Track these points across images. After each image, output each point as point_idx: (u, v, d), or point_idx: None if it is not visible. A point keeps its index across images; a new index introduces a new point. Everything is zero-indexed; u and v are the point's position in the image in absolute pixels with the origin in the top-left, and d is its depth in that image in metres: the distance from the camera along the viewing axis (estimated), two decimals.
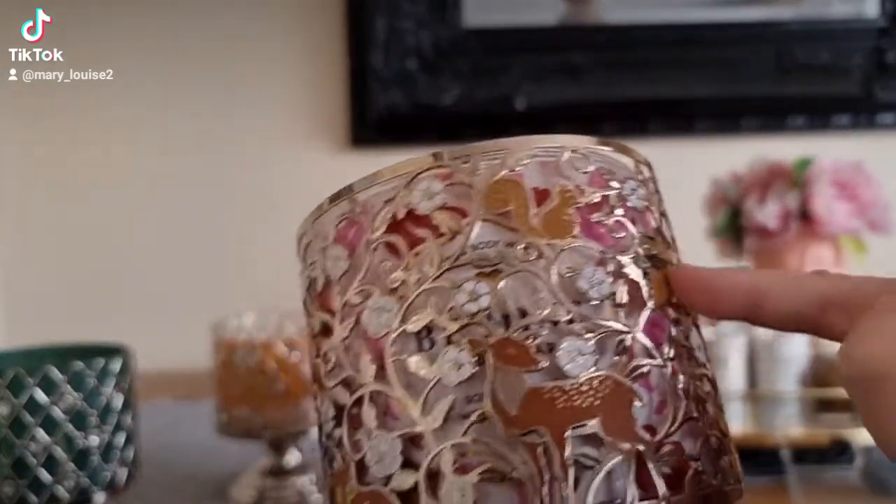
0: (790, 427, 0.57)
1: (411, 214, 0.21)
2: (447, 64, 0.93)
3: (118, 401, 0.48)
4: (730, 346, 0.61)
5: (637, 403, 0.20)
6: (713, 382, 0.23)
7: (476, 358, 0.20)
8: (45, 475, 0.45)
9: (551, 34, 0.94)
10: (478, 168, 0.21)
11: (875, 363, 0.18)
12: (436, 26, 0.93)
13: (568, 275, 0.20)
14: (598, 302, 0.21)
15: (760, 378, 0.61)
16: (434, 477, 0.19)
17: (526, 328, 0.20)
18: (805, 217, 0.76)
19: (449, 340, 0.20)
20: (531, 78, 0.93)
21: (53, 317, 0.95)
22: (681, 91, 0.93)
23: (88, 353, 0.48)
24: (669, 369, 0.21)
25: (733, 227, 0.77)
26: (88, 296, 0.96)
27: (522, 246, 0.21)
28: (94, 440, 0.47)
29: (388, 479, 0.20)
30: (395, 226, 0.22)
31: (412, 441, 0.20)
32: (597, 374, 0.20)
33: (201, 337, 0.60)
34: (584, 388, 0.20)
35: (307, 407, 0.56)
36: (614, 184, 0.22)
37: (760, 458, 0.54)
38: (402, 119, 0.93)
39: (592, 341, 0.20)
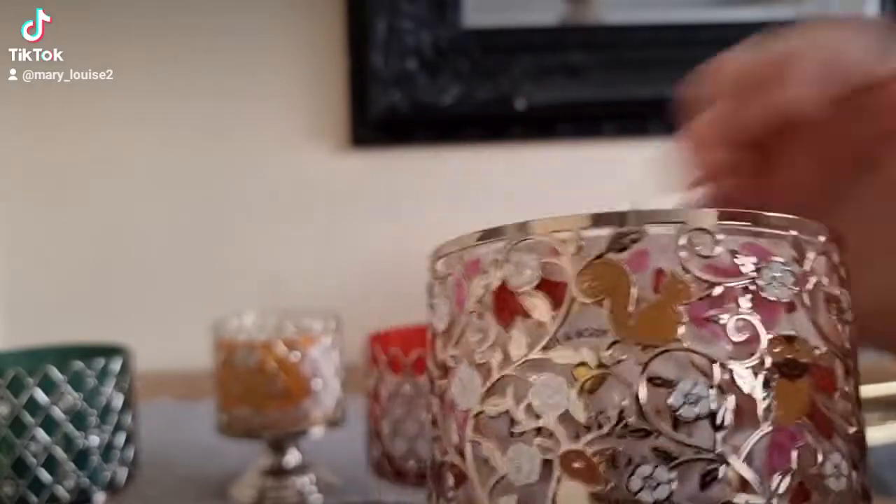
0: None
1: (504, 287, 0.20)
2: (447, 64, 0.93)
3: (118, 401, 0.48)
4: None
5: None
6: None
7: (542, 463, 0.18)
8: (45, 475, 0.45)
9: (551, 34, 0.94)
10: (580, 244, 0.19)
11: None
12: (436, 26, 0.93)
13: (660, 385, 0.18)
14: (690, 421, 0.18)
15: None
16: None
17: (601, 439, 0.18)
18: None
19: (521, 436, 0.19)
20: (531, 78, 0.93)
21: (53, 317, 0.95)
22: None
23: (88, 353, 0.48)
24: None
25: None
26: (88, 296, 0.96)
27: (611, 343, 0.18)
28: (94, 440, 0.47)
29: None
30: (488, 296, 0.20)
31: None
32: None
33: (201, 337, 0.60)
34: None
35: (307, 407, 0.56)
36: (746, 269, 0.19)
37: None
38: (401, 119, 0.93)
39: (674, 467, 0.17)
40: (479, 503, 0.19)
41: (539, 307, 0.19)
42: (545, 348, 0.19)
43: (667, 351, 0.18)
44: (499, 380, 0.19)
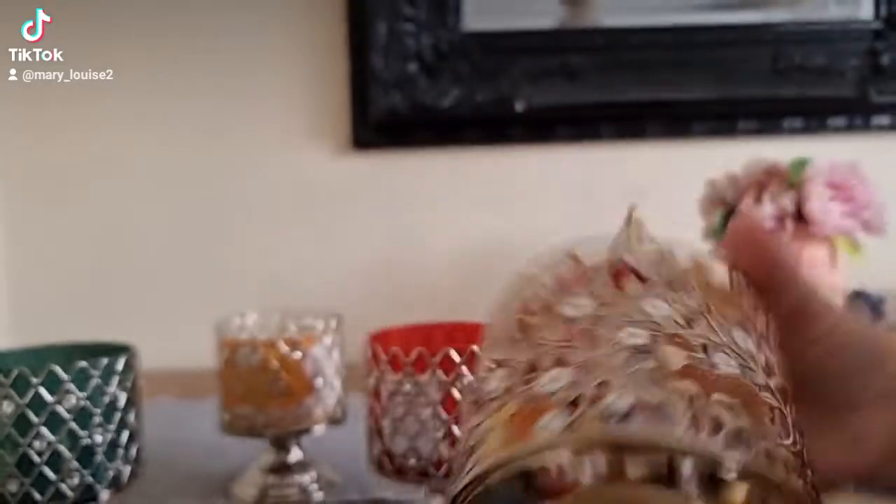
0: None
1: (623, 265, 0.28)
2: (447, 66, 0.94)
3: (122, 399, 0.48)
4: None
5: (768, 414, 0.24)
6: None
7: (650, 337, 0.25)
8: (49, 473, 0.46)
9: (550, 37, 0.94)
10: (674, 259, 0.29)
11: None
12: (436, 29, 0.93)
13: (726, 325, 0.26)
14: (744, 346, 0.26)
15: None
16: (596, 396, 0.23)
17: (692, 334, 0.25)
18: (800, 218, 0.76)
19: (632, 323, 0.25)
20: (530, 80, 0.93)
21: (57, 316, 0.95)
22: (678, 93, 0.94)
23: (92, 351, 0.49)
24: (790, 420, 0.25)
25: None
26: (92, 295, 0.96)
27: (694, 298, 0.27)
28: (98, 438, 0.47)
29: (553, 392, 0.24)
30: (606, 267, 0.28)
31: (584, 371, 0.24)
32: (742, 378, 0.24)
33: (204, 336, 0.60)
34: (730, 379, 0.24)
35: (309, 405, 0.56)
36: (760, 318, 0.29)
37: None
38: (402, 121, 0.93)
39: (737, 363, 0.25)
40: (586, 358, 0.24)
41: (653, 272, 0.27)
42: (656, 293, 0.26)
43: (731, 314, 0.27)
44: (613, 301, 0.26)
